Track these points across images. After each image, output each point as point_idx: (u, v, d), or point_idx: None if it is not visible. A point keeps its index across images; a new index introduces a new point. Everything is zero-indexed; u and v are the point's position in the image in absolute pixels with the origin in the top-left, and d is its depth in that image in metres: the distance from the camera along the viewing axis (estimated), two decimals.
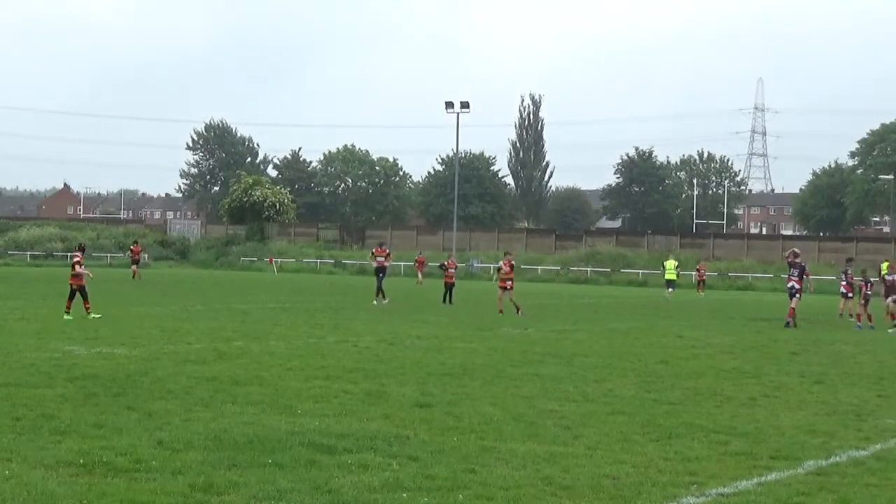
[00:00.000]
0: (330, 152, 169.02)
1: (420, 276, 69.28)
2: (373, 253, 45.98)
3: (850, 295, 36.62)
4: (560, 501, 9.41)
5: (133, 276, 59.89)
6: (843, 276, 39.45)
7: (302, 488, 9.43)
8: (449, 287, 43.91)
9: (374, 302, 41.26)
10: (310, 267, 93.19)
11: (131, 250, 65.37)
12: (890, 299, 34.88)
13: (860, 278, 36.33)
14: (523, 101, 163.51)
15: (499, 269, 40.09)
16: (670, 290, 59.23)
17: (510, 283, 38.18)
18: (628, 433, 12.83)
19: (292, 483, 9.60)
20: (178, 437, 11.53)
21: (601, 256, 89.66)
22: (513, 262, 39.88)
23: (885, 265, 65.58)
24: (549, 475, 10.29)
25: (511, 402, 15.01)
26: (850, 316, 36.92)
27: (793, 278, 35.56)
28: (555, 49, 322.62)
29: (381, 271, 43.48)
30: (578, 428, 13.06)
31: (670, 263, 61.33)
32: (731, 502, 9.61)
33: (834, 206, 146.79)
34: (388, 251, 46.62)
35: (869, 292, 36.11)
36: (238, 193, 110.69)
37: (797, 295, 35.47)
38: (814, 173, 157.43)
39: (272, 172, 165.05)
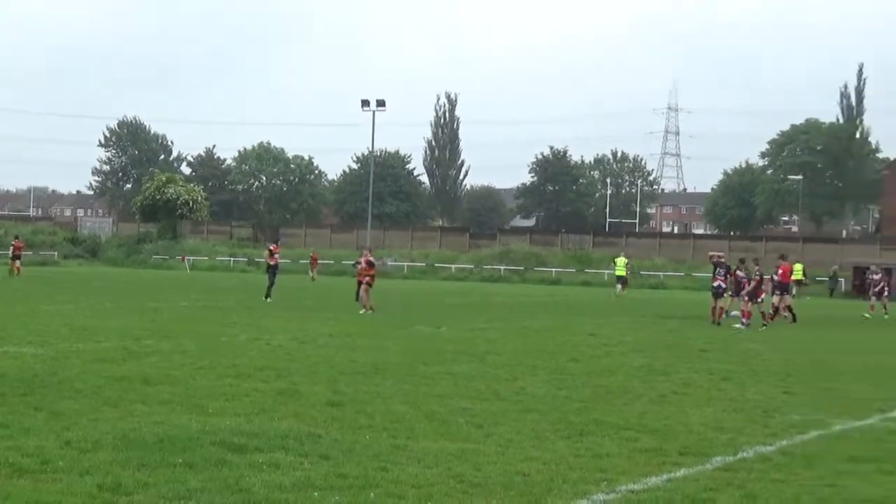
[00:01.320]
0: (245, 150, 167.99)
1: (313, 272, 69.56)
2: (271, 250, 44.89)
3: (728, 292, 36.94)
4: (472, 499, 9.43)
5: (10, 273, 58.22)
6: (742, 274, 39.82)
7: (212, 488, 9.36)
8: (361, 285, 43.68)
9: (268, 299, 41.27)
10: (223, 265, 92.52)
11: (13, 245, 63.78)
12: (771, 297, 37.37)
13: (744, 275, 36.67)
14: (439, 99, 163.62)
15: (356, 264, 39.81)
16: (619, 286, 60.31)
17: (368, 278, 37.30)
18: (540, 430, 12.90)
19: (202, 483, 9.51)
20: (87, 436, 11.37)
21: (515, 255, 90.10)
22: (370, 259, 38.58)
23: (798, 266, 66.93)
24: (461, 473, 10.32)
25: (423, 401, 15.02)
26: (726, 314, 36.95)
27: (719, 278, 36.02)
28: (471, 49, 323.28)
29: (276, 268, 43.47)
30: (490, 426, 13.11)
31: (620, 261, 62.41)
32: (640, 498, 9.69)
33: (744, 205, 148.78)
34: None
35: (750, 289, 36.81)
36: (151, 191, 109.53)
37: (724, 294, 36.01)
38: (725, 173, 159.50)
39: (186, 170, 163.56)
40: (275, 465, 10.37)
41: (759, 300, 35.97)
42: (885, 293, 46.91)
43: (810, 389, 18.15)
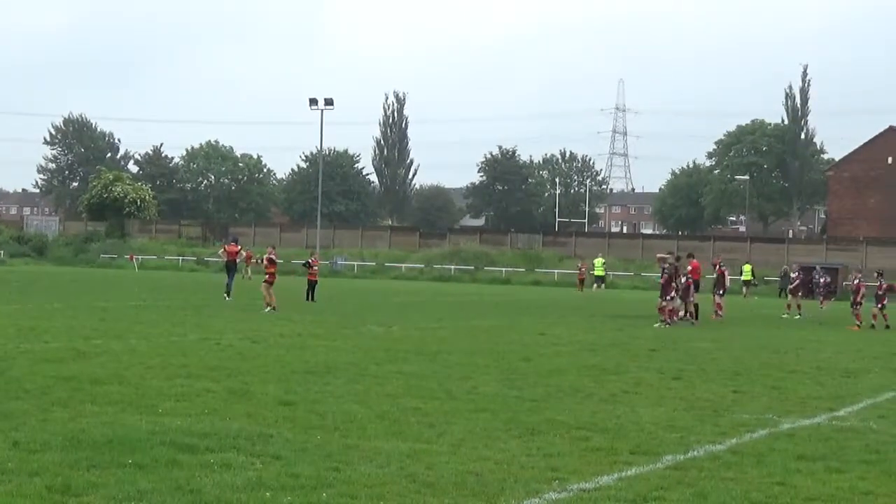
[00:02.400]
0: (193, 148, 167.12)
1: (248, 271, 69.65)
2: (225, 249, 45.38)
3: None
4: (424, 498, 9.42)
5: None
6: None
7: (163, 489, 9.29)
8: (312, 285, 43.86)
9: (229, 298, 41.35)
10: (172, 264, 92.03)
11: None
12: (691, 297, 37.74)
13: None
14: (387, 98, 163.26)
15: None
16: (597, 285, 66.92)
17: (269, 276, 37.03)
18: (491, 430, 12.91)
19: (153, 483, 9.44)
20: (35, 437, 11.25)
21: (465, 254, 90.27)
22: (272, 257, 38.46)
23: (746, 267, 67.65)
24: (413, 472, 10.31)
25: (375, 400, 15.00)
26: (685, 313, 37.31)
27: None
28: (421, 47, 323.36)
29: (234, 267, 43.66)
30: (442, 425, 13.10)
31: (599, 261, 69.12)
32: (592, 497, 9.71)
33: (692, 205, 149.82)
34: None
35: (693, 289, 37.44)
36: (98, 189, 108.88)
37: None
38: (673, 173, 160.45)
39: (133, 168, 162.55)
40: (226, 465, 10.31)
41: (669, 297, 36.11)
42: (799, 293, 47.49)
43: (759, 388, 18.26)
